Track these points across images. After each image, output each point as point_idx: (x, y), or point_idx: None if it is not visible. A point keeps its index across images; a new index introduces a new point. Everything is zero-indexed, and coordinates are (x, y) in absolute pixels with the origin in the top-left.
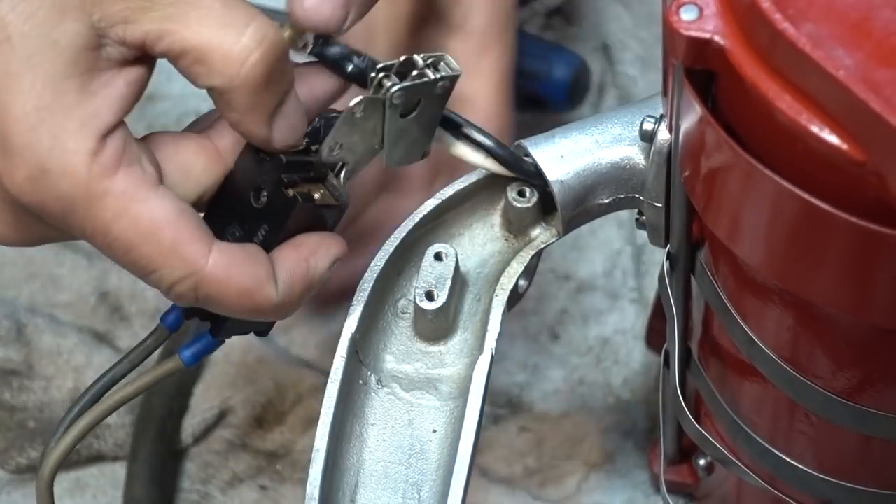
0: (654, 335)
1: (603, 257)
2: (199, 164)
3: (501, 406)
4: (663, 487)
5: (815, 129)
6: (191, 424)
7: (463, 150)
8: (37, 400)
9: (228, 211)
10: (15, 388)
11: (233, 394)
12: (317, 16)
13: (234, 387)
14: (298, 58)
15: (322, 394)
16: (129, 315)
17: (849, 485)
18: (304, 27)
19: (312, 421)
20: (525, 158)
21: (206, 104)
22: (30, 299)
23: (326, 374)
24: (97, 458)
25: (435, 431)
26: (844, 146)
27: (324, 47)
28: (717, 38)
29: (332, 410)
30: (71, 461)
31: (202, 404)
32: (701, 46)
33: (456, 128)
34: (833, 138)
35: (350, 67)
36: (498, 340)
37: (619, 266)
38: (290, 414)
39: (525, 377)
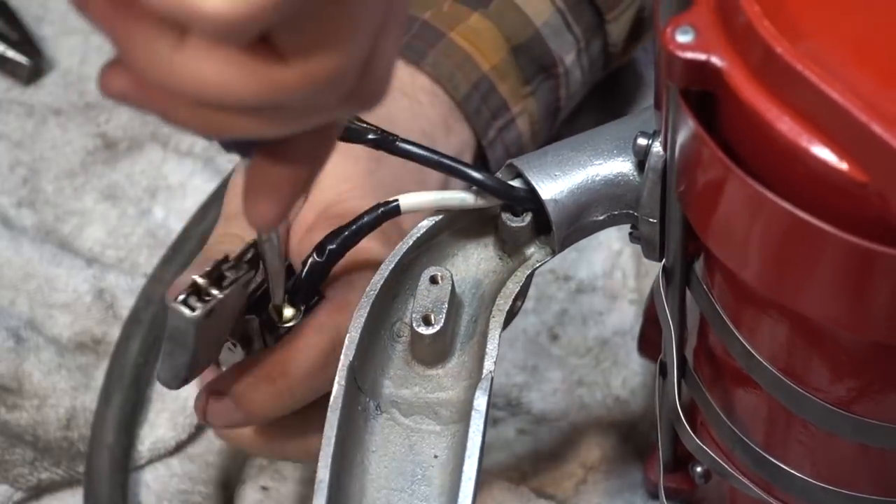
0: (647, 344)
1: (603, 258)
2: None
3: (500, 408)
4: (662, 495)
5: (815, 150)
6: (190, 416)
7: (449, 203)
8: (29, 418)
9: None
10: (9, 406)
11: None
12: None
13: None
14: None
15: None
16: (124, 315)
17: (847, 492)
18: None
19: None
20: (515, 185)
21: None
22: (27, 300)
23: None
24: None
25: (436, 457)
26: (845, 167)
27: None
28: (714, 59)
29: (332, 440)
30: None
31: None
32: (697, 68)
33: (440, 167)
34: (834, 160)
35: None
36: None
37: (618, 267)
38: None
39: (524, 378)
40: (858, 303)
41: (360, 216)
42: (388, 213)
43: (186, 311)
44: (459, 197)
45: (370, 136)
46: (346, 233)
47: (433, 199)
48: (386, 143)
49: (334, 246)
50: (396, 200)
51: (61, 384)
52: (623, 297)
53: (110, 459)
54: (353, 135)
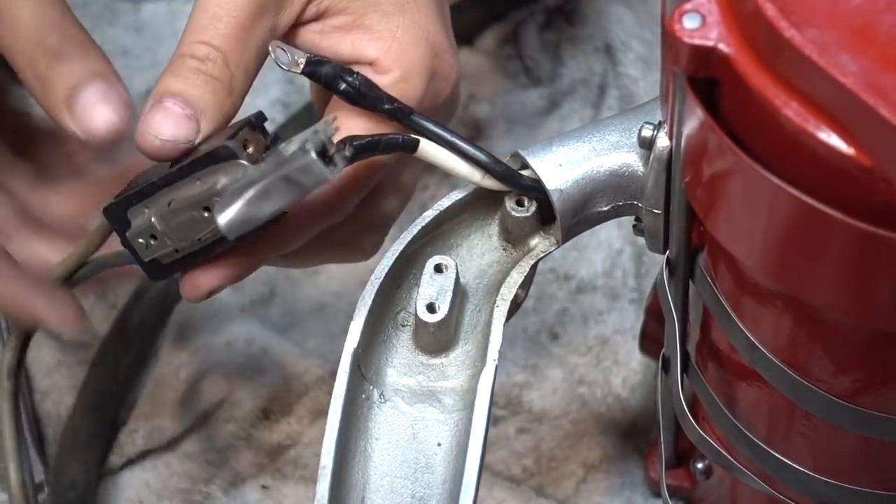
0: (648, 341)
1: (603, 257)
2: None
3: (500, 406)
4: (664, 492)
5: (822, 135)
6: (188, 417)
7: (456, 165)
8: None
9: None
10: None
11: (238, 386)
12: (161, 136)
13: (240, 377)
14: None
15: (328, 385)
16: None
17: (849, 486)
18: (155, 154)
19: (320, 412)
20: (521, 172)
21: None
22: None
23: (332, 364)
24: None
25: (440, 445)
26: (852, 152)
27: (315, 66)
28: (721, 45)
29: (336, 426)
30: None
31: (207, 396)
32: (704, 54)
33: (450, 146)
34: (841, 144)
35: (342, 86)
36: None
37: (619, 266)
38: (297, 405)
39: (524, 377)
40: (863, 289)
41: (380, 135)
42: (407, 144)
43: (326, 170)
44: (468, 169)
45: (386, 107)
46: (361, 142)
47: (446, 159)
48: (400, 114)
49: (352, 147)
50: (418, 140)
51: (62, 382)
52: (623, 297)
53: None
54: (370, 103)
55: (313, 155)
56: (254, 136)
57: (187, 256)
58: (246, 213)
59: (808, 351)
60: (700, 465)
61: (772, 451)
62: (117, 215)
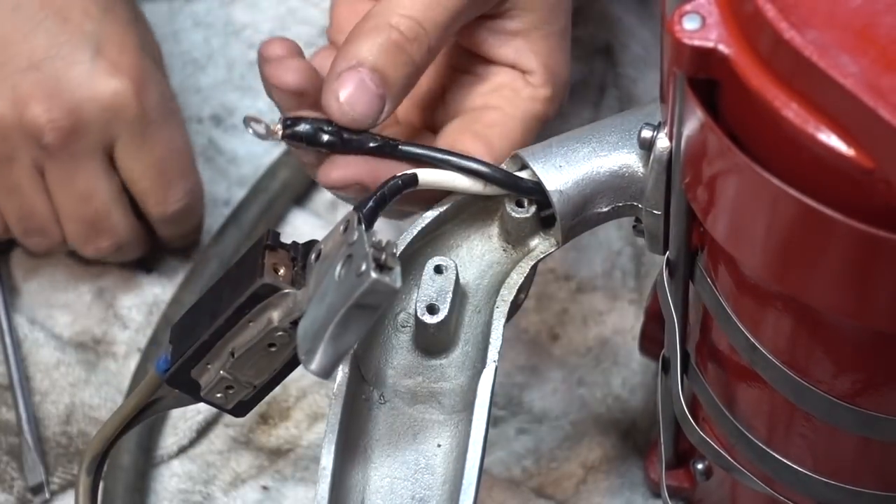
0: (648, 342)
1: (603, 257)
2: None
3: (500, 407)
4: (664, 493)
5: (822, 137)
6: (190, 420)
7: (457, 182)
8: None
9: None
10: (10, 405)
11: None
12: (352, 111)
13: None
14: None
15: (326, 388)
16: (124, 314)
17: (849, 487)
18: (341, 122)
19: (318, 416)
20: (521, 172)
21: (207, 107)
22: (28, 299)
23: None
24: None
25: (440, 446)
26: (852, 154)
27: (293, 128)
28: (720, 47)
29: (336, 428)
30: None
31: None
32: (704, 56)
33: (445, 164)
34: (841, 146)
35: (325, 138)
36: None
37: (618, 266)
38: (295, 409)
39: (524, 378)
40: (863, 291)
41: (381, 187)
42: (407, 181)
43: (390, 281)
44: (469, 182)
45: (371, 145)
46: (371, 206)
47: (445, 180)
48: (388, 148)
49: (364, 215)
50: (415, 173)
51: (61, 382)
52: (623, 297)
53: (125, 482)
54: (356, 146)
55: (374, 275)
56: (275, 254)
57: (268, 383)
58: (333, 352)
59: (808, 352)
60: (700, 466)
61: (772, 452)
62: (182, 381)
